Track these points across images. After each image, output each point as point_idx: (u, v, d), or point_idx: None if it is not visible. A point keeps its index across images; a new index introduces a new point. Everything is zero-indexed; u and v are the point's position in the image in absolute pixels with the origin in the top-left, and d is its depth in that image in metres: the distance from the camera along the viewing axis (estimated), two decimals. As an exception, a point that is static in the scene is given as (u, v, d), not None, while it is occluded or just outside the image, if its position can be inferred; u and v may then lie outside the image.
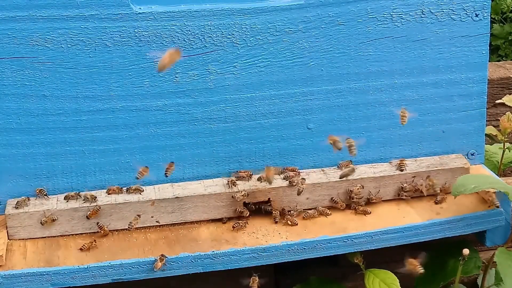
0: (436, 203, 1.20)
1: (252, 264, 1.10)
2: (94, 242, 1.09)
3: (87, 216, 1.11)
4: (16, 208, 1.10)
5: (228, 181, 1.16)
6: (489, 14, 1.21)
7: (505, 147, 1.36)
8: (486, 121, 1.27)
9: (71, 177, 1.14)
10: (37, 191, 1.12)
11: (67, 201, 1.12)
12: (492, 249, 1.24)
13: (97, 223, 1.11)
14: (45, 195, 1.12)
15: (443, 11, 1.19)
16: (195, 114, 1.15)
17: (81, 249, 1.09)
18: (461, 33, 1.21)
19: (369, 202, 1.19)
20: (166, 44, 1.11)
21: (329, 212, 1.17)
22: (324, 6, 1.15)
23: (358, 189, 1.18)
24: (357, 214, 1.18)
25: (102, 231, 1.11)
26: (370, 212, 1.18)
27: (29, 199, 1.12)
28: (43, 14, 1.06)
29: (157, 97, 1.13)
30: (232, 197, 1.14)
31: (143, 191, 1.14)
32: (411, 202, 1.21)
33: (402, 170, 1.21)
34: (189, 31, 1.11)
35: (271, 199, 1.16)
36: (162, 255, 1.06)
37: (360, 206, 1.18)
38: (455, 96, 1.24)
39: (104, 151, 1.14)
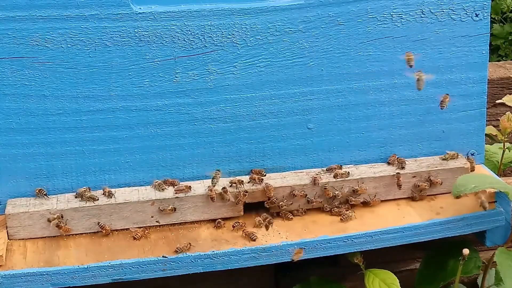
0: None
1: (252, 264, 1.10)
2: (147, 230, 1.11)
3: (57, 225, 1.10)
4: (76, 197, 1.11)
5: (234, 182, 1.16)
6: (489, 14, 1.21)
7: (505, 147, 1.36)
8: (486, 121, 1.27)
9: (71, 177, 1.14)
10: (37, 191, 1.12)
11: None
12: (492, 249, 1.24)
13: (98, 223, 1.11)
14: (44, 195, 1.12)
15: (443, 11, 1.19)
16: (195, 114, 1.15)
17: (134, 237, 1.10)
18: (461, 33, 1.21)
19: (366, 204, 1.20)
20: (166, 44, 1.11)
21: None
22: (324, 6, 1.15)
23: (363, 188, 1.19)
24: (332, 216, 1.18)
25: (104, 231, 1.11)
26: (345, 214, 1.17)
27: (90, 189, 1.13)
28: (43, 14, 1.06)
29: (157, 97, 1.13)
30: (236, 202, 1.14)
31: (97, 199, 1.12)
32: (411, 202, 1.21)
33: (403, 168, 1.21)
34: (189, 31, 1.11)
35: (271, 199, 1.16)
36: (190, 244, 1.08)
37: (336, 208, 1.18)
38: (455, 96, 1.24)
39: (104, 151, 1.14)
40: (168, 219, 1.14)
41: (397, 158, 1.22)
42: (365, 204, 1.19)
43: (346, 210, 1.17)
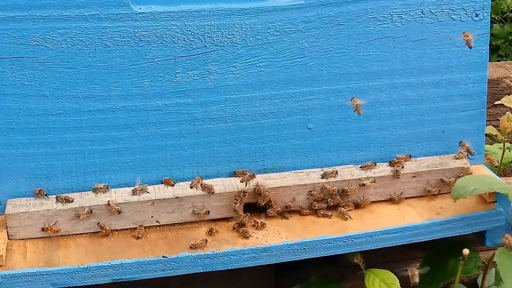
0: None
1: (252, 264, 1.10)
2: (144, 229, 1.12)
3: (42, 228, 1.10)
4: (133, 194, 1.13)
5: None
6: (489, 14, 1.21)
7: (505, 147, 1.36)
8: (486, 121, 1.27)
9: (71, 177, 1.14)
10: (36, 191, 1.12)
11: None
12: (492, 249, 1.24)
13: (98, 223, 1.11)
14: (45, 195, 1.12)
15: (443, 11, 1.19)
16: (195, 114, 1.15)
17: (137, 237, 1.10)
18: (461, 33, 1.21)
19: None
20: (166, 44, 1.11)
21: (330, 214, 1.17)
22: (324, 6, 1.15)
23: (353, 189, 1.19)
24: (319, 218, 1.17)
25: (104, 231, 1.11)
26: (332, 215, 1.17)
27: (107, 187, 1.14)
28: (43, 14, 1.06)
29: (157, 97, 1.13)
30: (235, 198, 1.14)
31: (71, 201, 1.12)
32: (411, 202, 1.21)
33: (403, 167, 1.21)
34: (189, 31, 1.11)
35: (271, 199, 1.16)
36: (206, 241, 1.08)
37: (322, 210, 1.18)
38: (455, 96, 1.24)
39: (104, 151, 1.14)
40: (168, 219, 1.14)
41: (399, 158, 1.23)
42: (357, 206, 1.19)
43: (342, 210, 1.17)
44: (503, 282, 1.14)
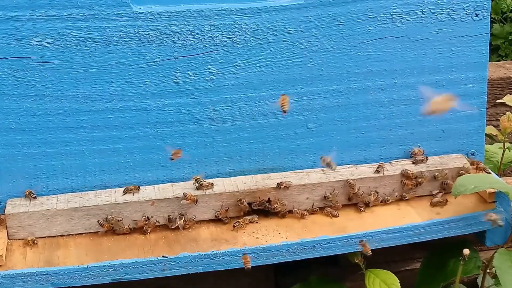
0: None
1: (252, 264, 1.10)
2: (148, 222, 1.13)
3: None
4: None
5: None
6: (489, 14, 1.21)
7: (505, 147, 1.36)
8: (486, 121, 1.27)
9: (71, 177, 1.14)
10: (26, 193, 1.12)
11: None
12: (492, 249, 1.24)
13: (106, 218, 1.11)
14: (33, 197, 1.11)
15: (443, 11, 1.19)
16: (195, 114, 1.15)
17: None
18: (461, 33, 1.21)
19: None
20: (166, 44, 1.11)
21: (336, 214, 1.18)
22: (324, 6, 1.15)
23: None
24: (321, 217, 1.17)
25: (109, 225, 1.11)
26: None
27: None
28: (43, 14, 1.06)
29: (157, 97, 1.13)
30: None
31: (139, 190, 1.14)
32: (411, 202, 1.21)
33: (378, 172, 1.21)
34: (189, 31, 1.12)
35: (271, 199, 1.16)
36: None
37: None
38: (455, 96, 1.23)
39: (104, 151, 1.14)
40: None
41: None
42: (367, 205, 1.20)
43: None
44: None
